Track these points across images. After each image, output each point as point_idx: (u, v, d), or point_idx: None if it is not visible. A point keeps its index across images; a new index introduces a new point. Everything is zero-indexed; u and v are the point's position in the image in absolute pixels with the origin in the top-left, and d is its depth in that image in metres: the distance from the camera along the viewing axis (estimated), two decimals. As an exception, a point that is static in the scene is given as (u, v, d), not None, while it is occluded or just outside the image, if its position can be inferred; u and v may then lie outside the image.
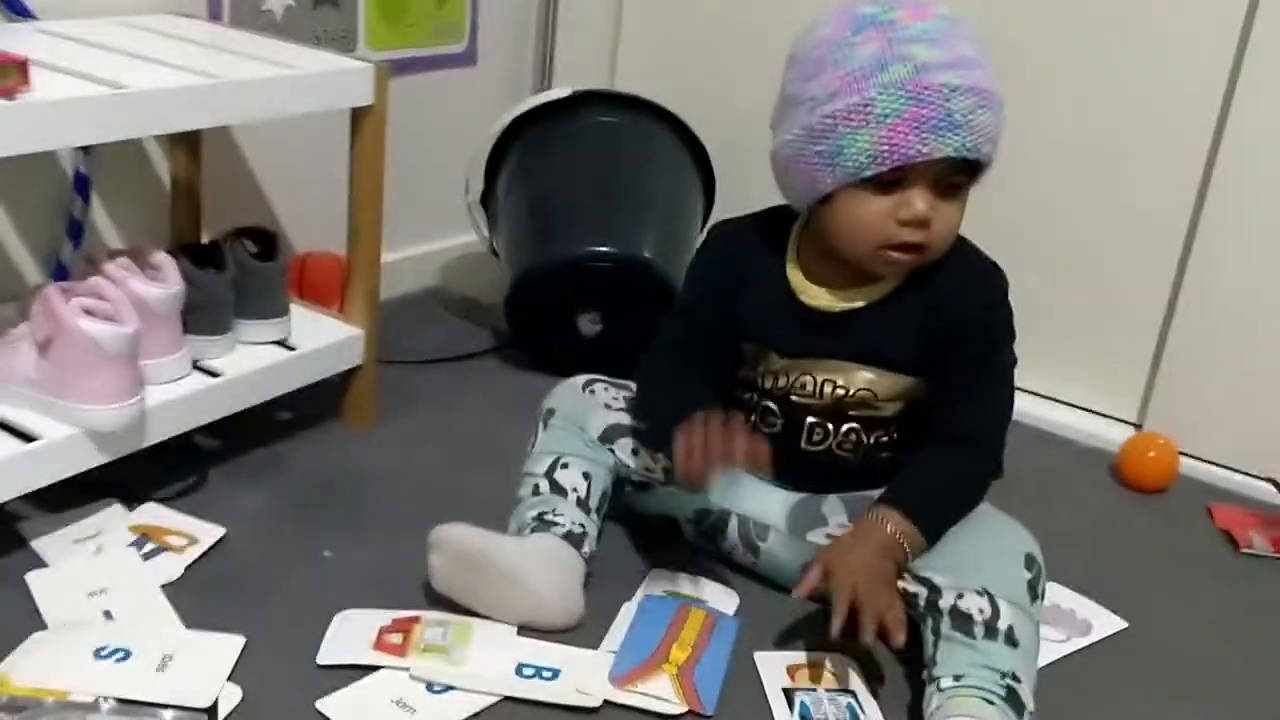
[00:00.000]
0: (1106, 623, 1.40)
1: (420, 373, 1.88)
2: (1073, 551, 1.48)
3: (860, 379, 1.33)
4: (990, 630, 1.16)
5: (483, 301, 2.14)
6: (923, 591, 1.22)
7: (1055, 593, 1.41)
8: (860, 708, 1.22)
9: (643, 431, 1.40)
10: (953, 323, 1.29)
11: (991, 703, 1.11)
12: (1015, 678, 1.14)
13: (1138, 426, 1.87)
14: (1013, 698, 1.12)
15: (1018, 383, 1.35)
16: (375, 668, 1.19)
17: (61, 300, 1.28)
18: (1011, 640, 1.16)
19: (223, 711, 1.10)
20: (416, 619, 1.26)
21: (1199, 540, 1.64)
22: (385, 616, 1.27)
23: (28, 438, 1.25)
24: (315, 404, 1.69)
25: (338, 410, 1.68)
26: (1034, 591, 1.21)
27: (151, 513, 1.40)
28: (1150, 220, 1.82)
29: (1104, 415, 1.90)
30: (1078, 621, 1.39)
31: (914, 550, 1.23)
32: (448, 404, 1.79)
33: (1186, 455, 1.77)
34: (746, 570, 1.42)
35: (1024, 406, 1.71)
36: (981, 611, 1.17)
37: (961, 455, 1.29)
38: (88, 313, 1.28)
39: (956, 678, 1.14)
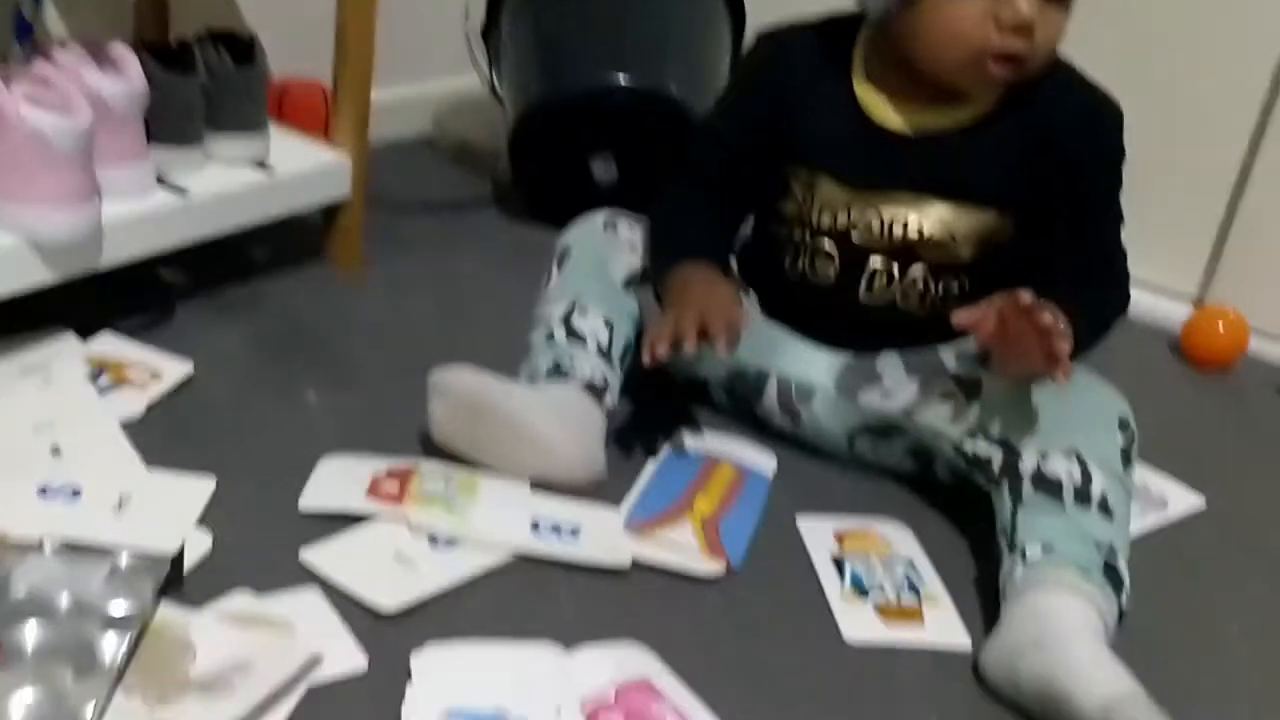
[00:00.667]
0: (1183, 501, 1.27)
1: (411, 220, 1.69)
2: (1141, 428, 1.34)
3: (935, 216, 1.16)
4: (1081, 497, 1.01)
5: (482, 147, 1.95)
6: (997, 455, 1.07)
7: (1125, 466, 1.27)
8: (919, 577, 1.07)
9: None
10: (1065, 160, 1.12)
11: (1088, 576, 0.97)
12: (1112, 550, 0.99)
13: (1197, 303, 1.72)
14: (1111, 573, 0.98)
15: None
16: (367, 517, 1.03)
17: (1, 88, 1.09)
18: (1106, 509, 1.01)
19: (190, 559, 0.94)
20: (415, 468, 1.10)
21: (1271, 420, 1.51)
22: (379, 463, 1.10)
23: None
24: (296, 243, 1.50)
25: (320, 251, 1.50)
26: (1127, 457, 1.05)
27: (110, 344, 1.22)
28: (1226, 77, 1.65)
29: (1162, 290, 1.74)
30: (1153, 498, 1.25)
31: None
32: (441, 255, 1.61)
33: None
34: (785, 437, 1.27)
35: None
36: (1071, 476, 1.02)
37: (1093, 289, 1.14)
38: (32, 102, 1.09)
39: (1045, 548, 0.99)
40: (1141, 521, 1.20)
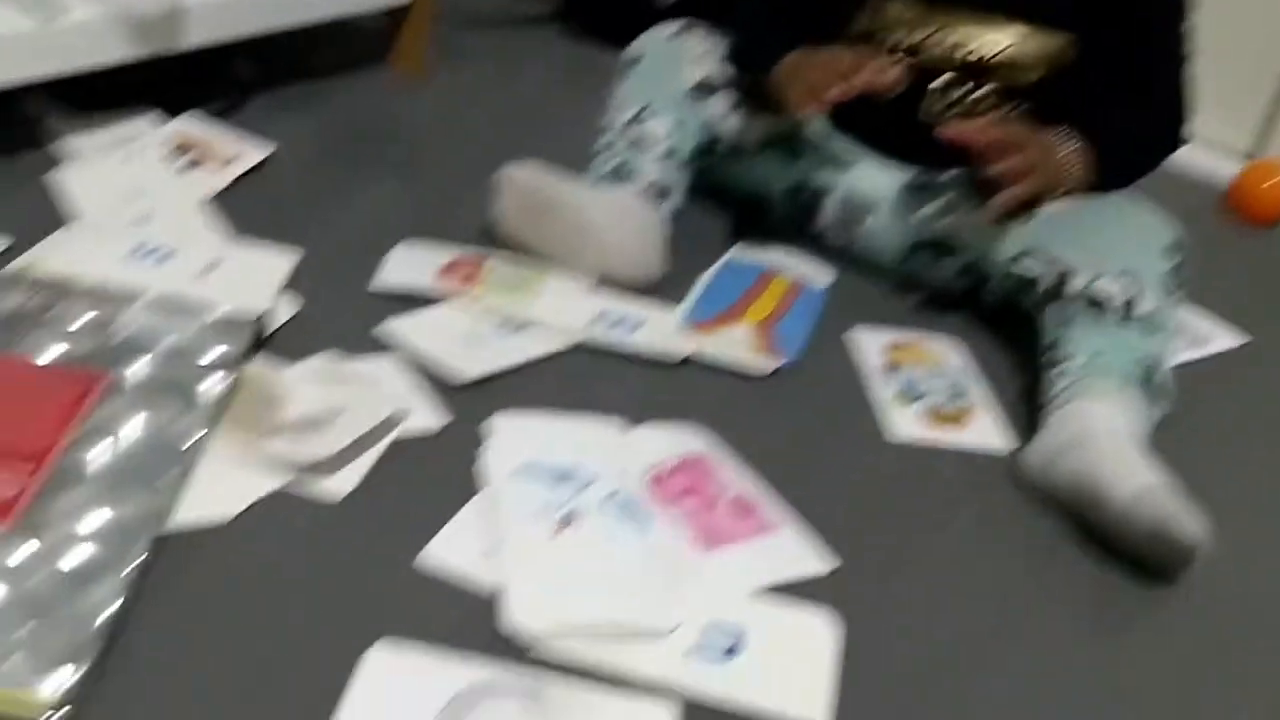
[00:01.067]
0: (1224, 338, 1.30)
1: (472, 33, 1.70)
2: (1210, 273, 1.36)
3: (1003, 36, 1.16)
4: (1128, 313, 1.04)
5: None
6: (1047, 274, 1.11)
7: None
8: (965, 387, 1.12)
9: (739, 77, 1.24)
10: None
11: (1129, 384, 1.01)
12: (1154, 363, 1.03)
13: (1250, 158, 1.72)
14: (1151, 382, 1.02)
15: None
16: (440, 299, 1.08)
17: None
18: (1151, 326, 1.05)
19: (277, 321, 0.99)
20: (484, 258, 1.15)
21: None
22: (453, 250, 1.15)
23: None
24: (360, 46, 1.52)
25: (384, 56, 1.52)
26: (1176, 279, 1.09)
27: (193, 124, 1.26)
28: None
29: (1215, 144, 1.74)
30: (1195, 335, 1.28)
31: (1080, 181, 1.12)
32: (502, 68, 1.63)
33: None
34: (841, 254, 1.30)
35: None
36: (1119, 294, 1.05)
37: (1148, 115, 1.16)
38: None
39: (1090, 359, 1.03)
40: (1181, 355, 1.24)
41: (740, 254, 1.26)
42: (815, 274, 1.26)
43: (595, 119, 1.27)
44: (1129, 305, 1.05)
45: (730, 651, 0.78)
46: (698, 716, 0.73)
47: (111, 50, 1.13)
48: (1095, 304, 1.06)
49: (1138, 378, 1.01)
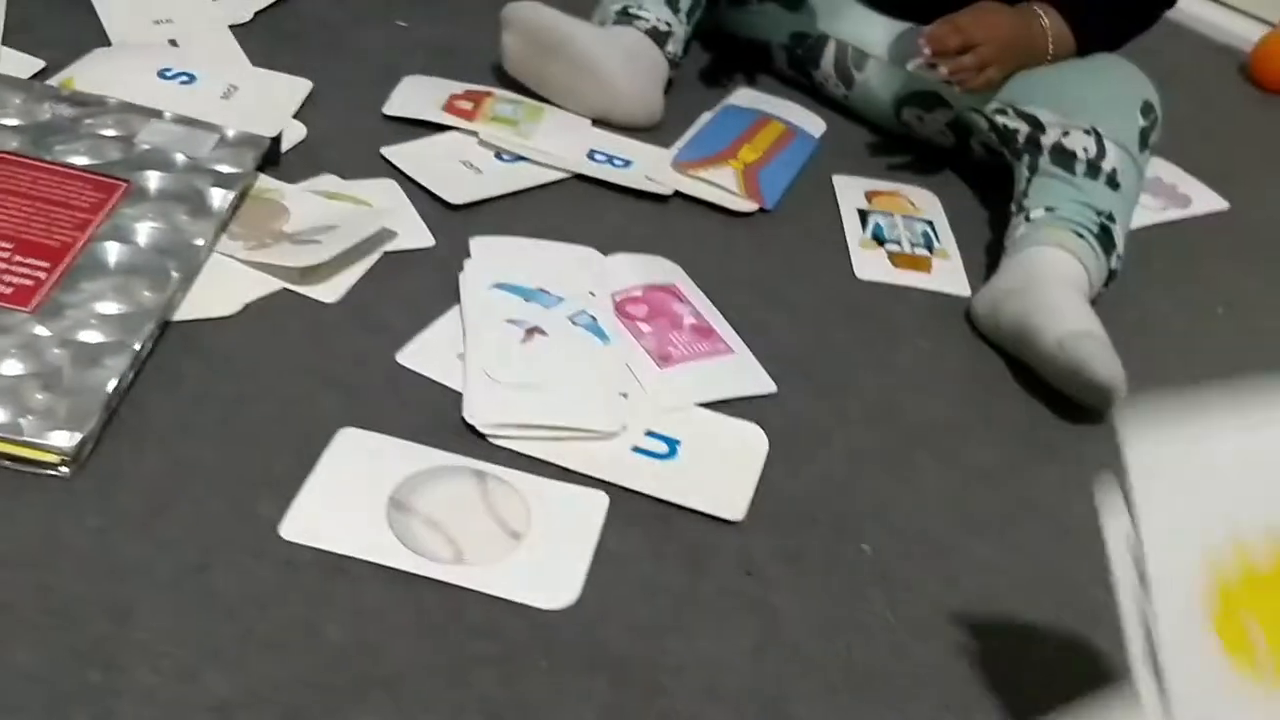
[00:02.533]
0: (1207, 200, 1.33)
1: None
2: (1186, 135, 1.38)
3: None
4: (1093, 169, 1.09)
5: None
6: (1024, 128, 1.14)
7: (1159, 166, 1.33)
8: (935, 235, 1.18)
9: None
10: None
11: (1082, 236, 1.06)
12: (1111, 217, 1.08)
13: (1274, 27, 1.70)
14: (1105, 235, 1.07)
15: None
16: (443, 128, 1.15)
17: None
18: (1113, 182, 1.09)
19: (287, 143, 1.07)
20: (489, 93, 1.21)
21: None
22: (457, 85, 1.21)
23: None
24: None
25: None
26: (1145, 140, 1.12)
27: (219, -45, 1.32)
28: None
29: (1242, 11, 1.72)
30: (1178, 195, 1.32)
31: (1059, 52, 1.15)
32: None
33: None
34: (838, 105, 1.34)
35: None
36: (1086, 150, 1.09)
37: None
38: None
39: (1049, 209, 1.08)
40: (1160, 214, 1.27)
41: (739, 99, 1.31)
42: (811, 122, 1.30)
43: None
44: (1094, 161, 1.09)
45: (667, 455, 0.87)
46: (630, 505, 0.83)
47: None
48: (1063, 158, 1.10)
49: (1091, 230, 1.06)
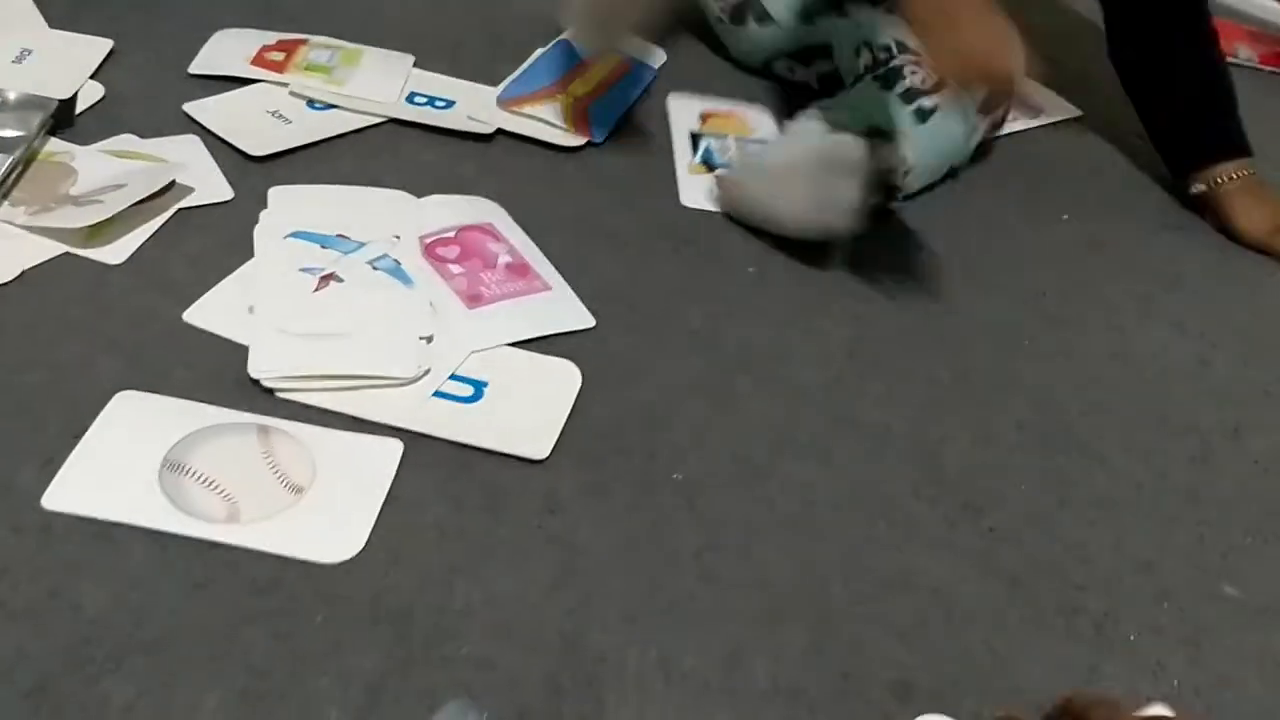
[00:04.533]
0: (1059, 108, 1.31)
1: None
2: (1040, 44, 1.36)
3: None
4: (910, 97, 1.06)
5: None
6: (877, 57, 1.12)
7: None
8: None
9: None
10: None
11: (856, 128, 1.01)
12: (888, 128, 1.04)
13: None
14: (877, 134, 1.02)
15: None
16: (252, 82, 1.11)
17: None
18: (923, 114, 1.06)
19: (81, 104, 1.02)
20: (304, 40, 1.16)
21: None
22: (270, 36, 1.16)
23: None
24: None
25: None
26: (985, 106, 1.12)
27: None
28: None
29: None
30: (1030, 105, 1.29)
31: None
32: None
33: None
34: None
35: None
36: (917, 81, 1.07)
37: None
38: None
39: (843, 101, 1.08)
40: (1013, 124, 1.25)
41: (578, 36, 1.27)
42: (650, 53, 1.27)
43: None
44: (912, 90, 1.06)
45: (471, 398, 0.84)
46: (429, 452, 0.80)
47: None
48: (890, 79, 1.07)
49: (861, 130, 1.00)
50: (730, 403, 0.90)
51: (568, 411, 0.84)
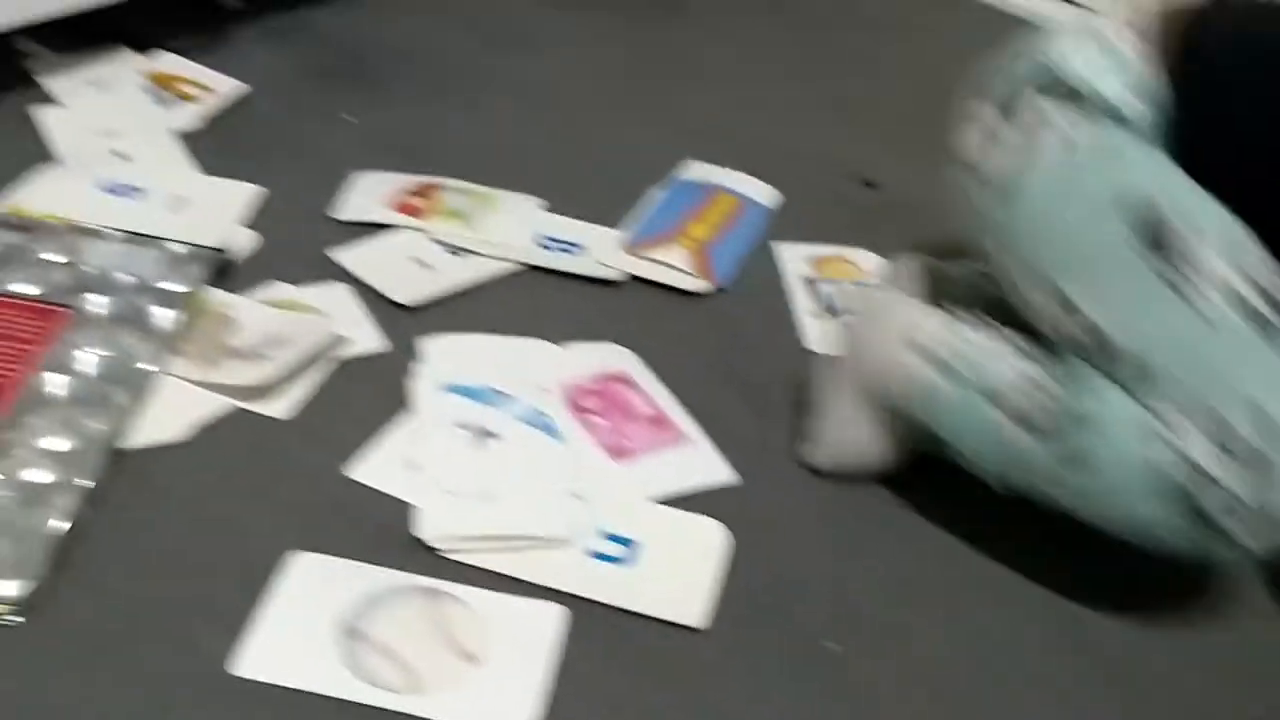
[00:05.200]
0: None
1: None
2: None
3: None
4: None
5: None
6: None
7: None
8: (890, 303, 1.18)
9: None
10: None
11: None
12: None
13: None
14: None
15: None
16: (393, 227, 1.15)
17: None
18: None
19: (236, 254, 1.07)
20: (438, 185, 1.21)
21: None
22: (407, 180, 1.22)
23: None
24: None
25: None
26: None
27: (168, 61, 1.33)
28: None
29: None
30: None
31: None
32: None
33: None
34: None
35: None
36: None
37: None
38: None
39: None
40: None
41: (688, 172, 1.32)
42: (761, 192, 1.31)
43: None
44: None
45: (624, 559, 0.86)
46: (589, 615, 0.82)
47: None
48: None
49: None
50: (875, 563, 0.91)
51: (719, 573, 0.87)
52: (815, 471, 0.96)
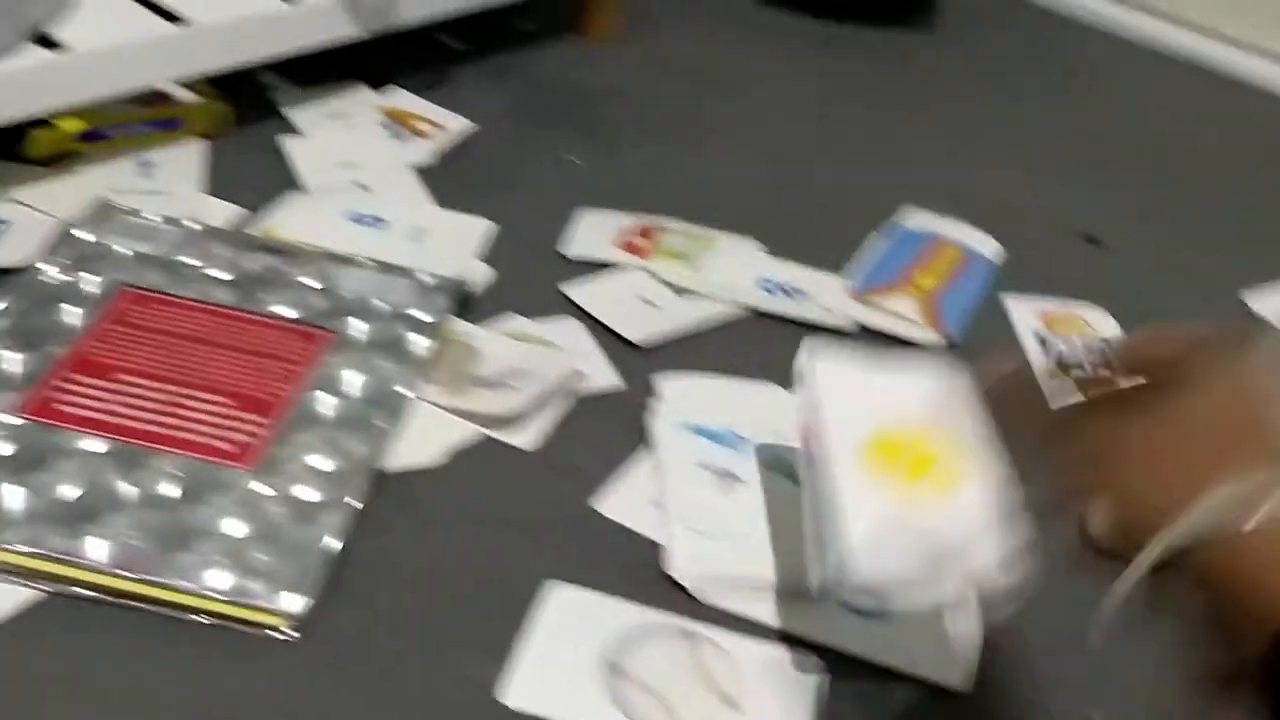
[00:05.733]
0: None
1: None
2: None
3: None
4: None
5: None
6: None
7: None
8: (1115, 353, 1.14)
9: None
10: None
11: None
12: None
13: None
14: None
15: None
16: (619, 265, 1.17)
17: None
18: None
19: (474, 285, 1.10)
20: (659, 225, 1.23)
21: None
22: (628, 219, 1.23)
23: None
24: (553, 16, 1.62)
25: (576, 26, 1.61)
26: None
27: (400, 98, 1.37)
28: None
29: None
30: None
31: None
32: (688, 31, 1.69)
33: None
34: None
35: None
36: None
37: None
38: None
39: None
40: None
41: (907, 219, 1.31)
42: (984, 244, 1.29)
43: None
44: None
45: (879, 613, 0.85)
46: (844, 668, 0.81)
47: (341, 30, 1.25)
48: None
49: None
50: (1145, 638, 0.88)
51: (978, 633, 0.84)
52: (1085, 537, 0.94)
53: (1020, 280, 1.25)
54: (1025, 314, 1.20)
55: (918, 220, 1.31)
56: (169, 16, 1.14)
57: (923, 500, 0.77)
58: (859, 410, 0.82)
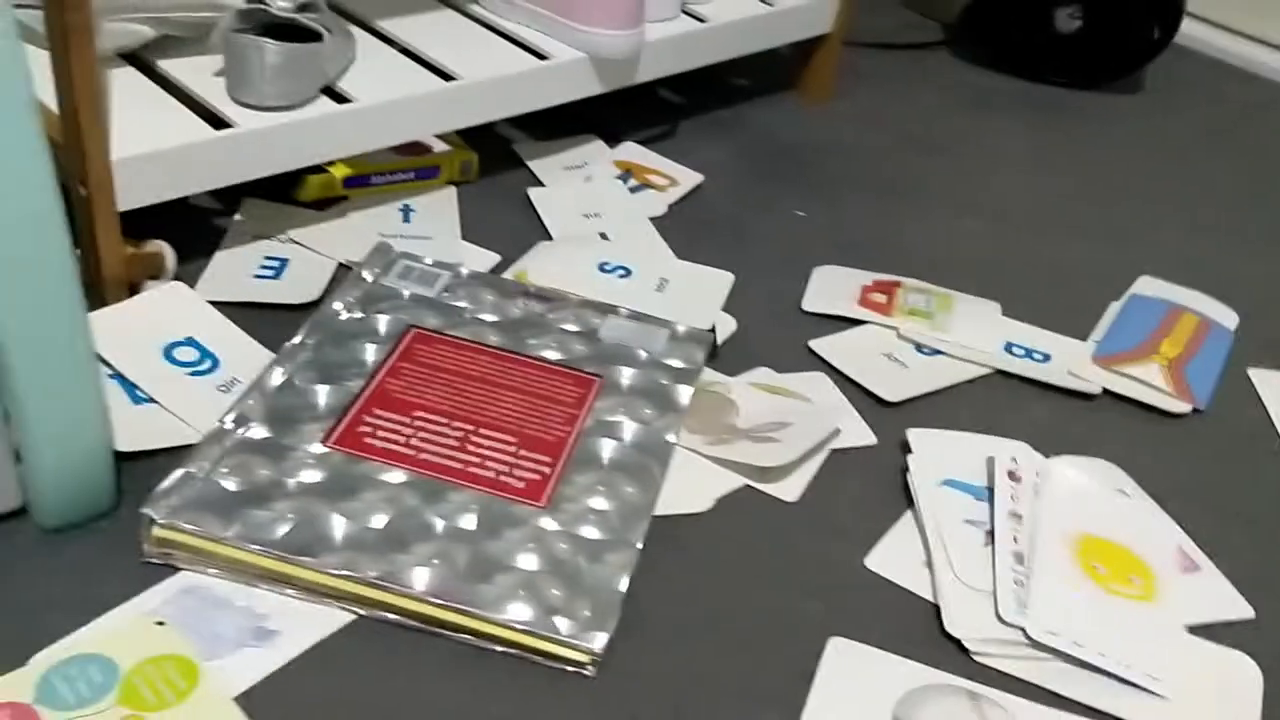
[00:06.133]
0: None
1: (870, 57, 1.79)
2: None
3: None
4: None
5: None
6: None
7: None
8: (1389, 442, 1.11)
9: None
10: None
11: None
12: None
13: None
14: None
15: None
16: (860, 322, 1.18)
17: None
18: None
19: (721, 336, 1.12)
20: (898, 283, 1.24)
21: None
22: (866, 276, 1.25)
23: (539, 56, 1.27)
24: (769, 73, 1.65)
25: (792, 82, 1.64)
26: None
27: (632, 151, 1.42)
28: None
29: None
30: None
31: None
32: (898, 90, 1.71)
33: None
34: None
35: None
36: None
37: None
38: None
39: None
40: None
41: (1144, 288, 1.29)
42: (1222, 314, 1.26)
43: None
44: None
45: (1153, 689, 0.83)
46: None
47: (589, 86, 1.30)
48: None
49: None
50: None
51: (1256, 715, 0.82)
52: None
53: (1261, 351, 1.23)
54: (1271, 385, 1.17)
55: (1152, 289, 1.29)
56: (441, 74, 1.20)
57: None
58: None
